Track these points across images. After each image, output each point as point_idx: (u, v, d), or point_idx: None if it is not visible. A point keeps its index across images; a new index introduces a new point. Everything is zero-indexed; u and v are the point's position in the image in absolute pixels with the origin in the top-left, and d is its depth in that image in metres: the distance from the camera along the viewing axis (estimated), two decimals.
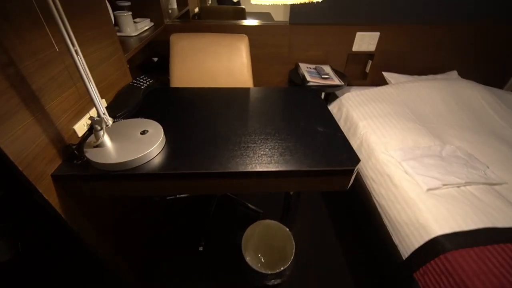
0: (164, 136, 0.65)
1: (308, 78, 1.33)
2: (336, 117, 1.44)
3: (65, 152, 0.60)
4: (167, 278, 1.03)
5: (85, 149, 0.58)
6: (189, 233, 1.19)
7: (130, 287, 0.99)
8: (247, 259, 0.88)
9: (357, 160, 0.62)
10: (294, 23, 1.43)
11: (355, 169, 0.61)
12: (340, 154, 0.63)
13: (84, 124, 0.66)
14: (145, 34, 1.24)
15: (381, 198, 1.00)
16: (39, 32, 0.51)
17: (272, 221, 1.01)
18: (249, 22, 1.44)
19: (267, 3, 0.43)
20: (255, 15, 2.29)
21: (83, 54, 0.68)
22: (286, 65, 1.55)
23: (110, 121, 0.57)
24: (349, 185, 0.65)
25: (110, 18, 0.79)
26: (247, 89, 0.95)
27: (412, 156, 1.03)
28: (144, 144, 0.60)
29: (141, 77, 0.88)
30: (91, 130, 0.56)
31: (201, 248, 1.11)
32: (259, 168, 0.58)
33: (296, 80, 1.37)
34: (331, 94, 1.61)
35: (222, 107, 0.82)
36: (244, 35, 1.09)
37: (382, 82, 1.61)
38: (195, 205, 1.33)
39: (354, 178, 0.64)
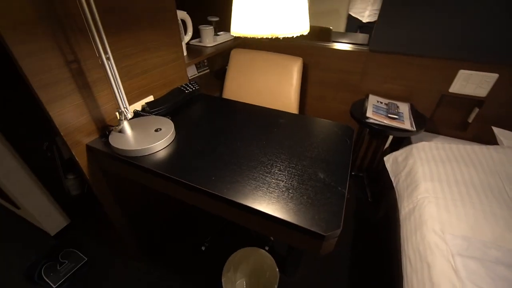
0: (171, 137, 0.73)
1: (369, 113, 1.14)
2: (399, 168, 1.17)
3: (103, 130, 0.77)
4: (167, 265, 1.13)
5: (112, 131, 0.73)
6: (198, 229, 1.26)
7: (134, 259, 1.15)
8: (223, 280, 0.86)
9: (336, 226, 0.50)
10: (375, 50, 1.26)
11: (327, 236, 0.49)
12: (320, 211, 0.53)
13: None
14: (223, 45, 1.40)
15: None
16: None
17: (267, 254, 0.94)
18: (322, 43, 1.37)
19: (245, 36, 0.41)
20: (341, 35, 2.15)
21: (145, 57, 0.85)
22: (355, 94, 1.39)
23: (129, 114, 0.70)
24: (324, 253, 0.53)
25: (178, 32, 0.95)
26: (280, 113, 0.92)
27: (479, 255, 0.72)
28: (150, 140, 0.70)
29: (191, 82, 1.01)
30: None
31: (203, 248, 1.16)
32: (223, 194, 0.56)
33: (356, 113, 1.20)
34: (406, 139, 1.32)
35: (243, 125, 0.83)
36: (299, 57, 1.05)
37: (490, 139, 1.18)
38: None
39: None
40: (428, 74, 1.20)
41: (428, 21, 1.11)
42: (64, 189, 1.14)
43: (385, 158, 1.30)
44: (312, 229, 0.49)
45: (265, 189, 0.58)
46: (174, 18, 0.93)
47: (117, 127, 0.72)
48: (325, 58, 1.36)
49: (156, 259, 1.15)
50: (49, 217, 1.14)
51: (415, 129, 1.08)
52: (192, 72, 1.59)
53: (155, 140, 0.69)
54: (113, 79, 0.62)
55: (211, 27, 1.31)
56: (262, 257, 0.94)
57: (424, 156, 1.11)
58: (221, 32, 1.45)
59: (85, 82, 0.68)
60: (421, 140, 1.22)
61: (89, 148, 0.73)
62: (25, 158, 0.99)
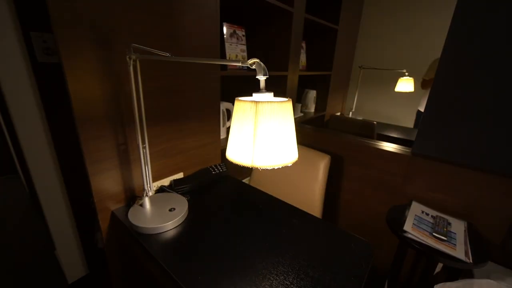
0: (180, 220, 0.77)
1: (407, 226, 0.98)
2: None
3: (131, 199, 0.87)
4: None
5: (135, 204, 0.82)
6: None
7: None
8: None
9: None
10: (419, 154, 1.16)
11: None
12: None
13: (156, 185, 0.93)
14: None
15: None
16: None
17: None
18: (361, 139, 1.35)
19: (232, 161, 0.46)
20: (388, 128, 2.09)
21: (184, 140, 0.99)
22: (396, 197, 1.24)
23: (150, 193, 0.78)
24: None
25: (217, 121, 1.11)
26: (295, 211, 0.88)
27: None
28: (160, 220, 0.74)
29: (221, 164, 1.10)
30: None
31: None
32: None
33: (392, 222, 1.04)
34: (463, 270, 1.04)
35: (254, 219, 0.81)
36: (327, 155, 1.05)
37: None
38: None
39: None
40: (490, 191, 1.01)
41: (483, 127, 1.00)
42: (93, 240, 1.25)
43: None
44: None
45: None
46: (217, 110, 1.10)
47: (139, 200, 0.81)
48: (363, 154, 1.32)
49: None
50: (73, 264, 1.23)
51: (471, 260, 0.85)
52: None
53: (164, 221, 0.74)
54: (144, 165, 0.74)
55: None
56: None
57: None
58: None
59: (127, 159, 0.82)
60: (487, 276, 0.94)
61: (113, 215, 0.82)
62: (74, 206, 1.16)
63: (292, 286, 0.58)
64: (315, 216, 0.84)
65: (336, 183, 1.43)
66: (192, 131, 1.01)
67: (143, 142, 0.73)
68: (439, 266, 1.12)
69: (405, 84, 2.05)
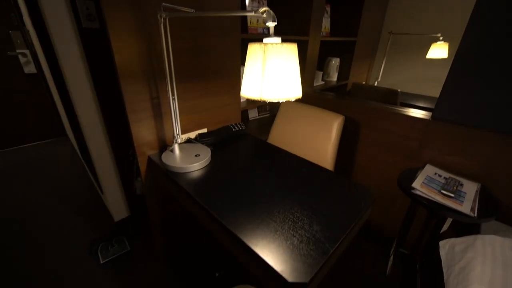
0: (204, 164, 0.89)
1: (416, 184, 1.02)
2: (454, 259, 0.95)
3: (162, 147, 1.02)
4: (182, 278, 1.24)
5: (167, 150, 0.96)
6: (215, 254, 1.32)
7: (160, 263, 1.31)
8: None
9: (303, 278, 0.50)
10: (439, 118, 1.15)
11: (291, 284, 0.49)
12: (296, 260, 0.54)
13: (183, 138, 1.07)
14: None
15: None
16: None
17: None
18: (376, 105, 1.36)
19: (243, 97, 0.54)
20: (415, 97, 2.01)
21: (209, 99, 1.10)
22: (411, 161, 1.26)
23: (179, 139, 0.91)
24: None
25: (238, 83, 1.19)
26: (306, 163, 0.96)
27: None
28: (188, 162, 0.88)
29: (240, 123, 1.20)
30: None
31: (217, 274, 1.21)
32: (217, 214, 0.65)
33: (403, 181, 1.09)
34: (473, 227, 1.07)
35: (269, 167, 0.92)
36: (340, 115, 1.09)
37: None
38: None
39: None
40: (506, 153, 0.99)
41: (504, 90, 0.97)
42: (133, 187, 1.47)
43: (440, 243, 1.07)
44: (278, 271, 0.51)
45: (256, 225, 0.63)
46: (237, 74, 1.18)
47: (170, 147, 0.95)
48: (380, 119, 1.33)
49: (176, 271, 1.27)
50: (117, 207, 1.47)
51: (475, 215, 0.89)
52: (253, 114, 1.84)
53: (191, 163, 0.87)
54: (174, 114, 0.86)
55: None
56: None
57: (490, 254, 0.87)
58: None
59: (159, 112, 0.95)
60: (494, 233, 0.97)
61: (149, 159, 0.98)
62: (117, 159, 1.36)
63: (296, 213, 0.68)
64: (323, 167, 0.92)
65: (352, 146, 1.47)
66: (215, 91, 1.11)
67: (173, 94, 0.84)
68: (447, 224, 1.16)
69: (439, 50, 1.92)
